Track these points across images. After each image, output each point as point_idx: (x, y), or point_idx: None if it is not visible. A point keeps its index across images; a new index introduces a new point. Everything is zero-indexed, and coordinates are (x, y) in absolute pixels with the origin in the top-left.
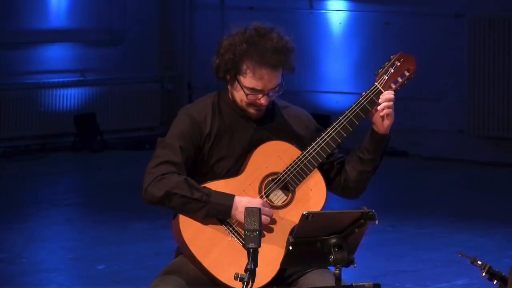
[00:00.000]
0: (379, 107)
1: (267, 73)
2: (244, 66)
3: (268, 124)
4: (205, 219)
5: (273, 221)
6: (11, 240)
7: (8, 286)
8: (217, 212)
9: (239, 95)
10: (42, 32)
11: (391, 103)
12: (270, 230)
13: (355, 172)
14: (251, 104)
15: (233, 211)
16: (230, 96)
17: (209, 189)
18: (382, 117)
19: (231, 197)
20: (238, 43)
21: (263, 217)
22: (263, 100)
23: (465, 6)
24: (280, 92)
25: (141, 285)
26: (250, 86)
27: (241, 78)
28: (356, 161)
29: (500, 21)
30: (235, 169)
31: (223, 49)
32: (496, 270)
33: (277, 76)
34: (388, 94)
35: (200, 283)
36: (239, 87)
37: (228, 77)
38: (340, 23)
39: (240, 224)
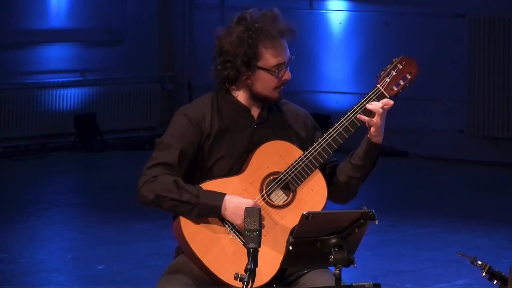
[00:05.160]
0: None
1: (283, 43)
2: (261, 48)
3: (268, 122)
4: (200, 218)
5: (274, 221)
6: (11, 240)
7: (8, 286)
8: (208, 212)
9: (266, 82)
10: (42, 32)
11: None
12: (271, 230)
13: (344, 177)
14: (277, 86)
15: (222, 211)
16: (238, 94)
17: (199, 189)
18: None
19: (220, 196)
20: (245, 32)
21: None
22: (287, 75)
23: (465, 6)
24: (292, 60)
25: (141, 285)
26: (275, 63)
27: (263, 63)
28: (347, 166)
29: (500, 21)
30: (235, 168)
31: (231, 47)
32: (496, 270)
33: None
34: (379, 104)
35: (204, 283)
36: (264, 75)
37: (247, 72)
38: (340, 23)
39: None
